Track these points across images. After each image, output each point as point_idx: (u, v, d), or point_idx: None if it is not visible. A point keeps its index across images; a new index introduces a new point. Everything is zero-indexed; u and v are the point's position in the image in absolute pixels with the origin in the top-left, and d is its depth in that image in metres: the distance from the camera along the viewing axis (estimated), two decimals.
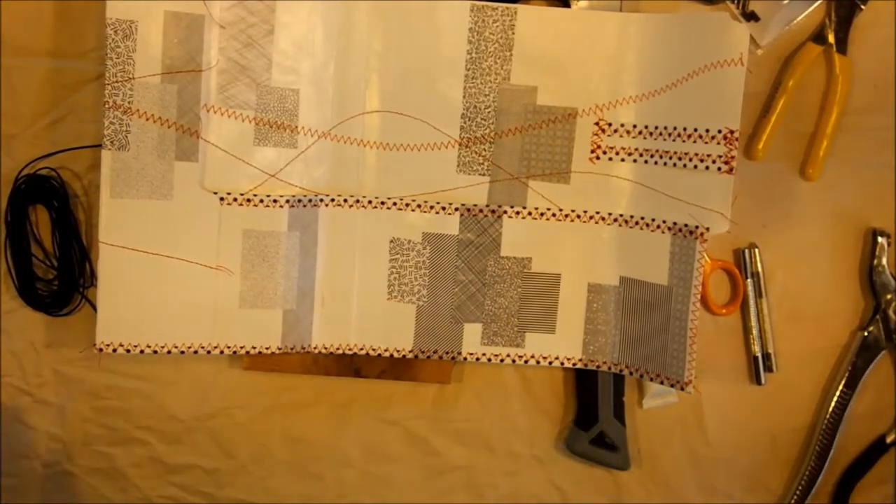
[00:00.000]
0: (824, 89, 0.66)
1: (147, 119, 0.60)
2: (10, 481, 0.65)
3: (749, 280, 0.67)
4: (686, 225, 0.61)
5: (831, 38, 0.64)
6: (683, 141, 0.61)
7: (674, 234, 0.62)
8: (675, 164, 0.61)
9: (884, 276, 0.67)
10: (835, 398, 0.68)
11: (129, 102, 0.60)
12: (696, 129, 0.60)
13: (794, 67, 0.64)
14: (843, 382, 0.68)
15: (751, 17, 0.64)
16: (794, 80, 0.64)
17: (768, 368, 0.68)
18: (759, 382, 0.68)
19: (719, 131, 0.59)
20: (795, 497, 0.68)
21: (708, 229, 0.60)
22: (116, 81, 0.60)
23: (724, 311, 0.67)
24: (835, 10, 0.64)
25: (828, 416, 0.68)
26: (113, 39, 0.59)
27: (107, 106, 0.60)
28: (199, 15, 0.60)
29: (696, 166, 0.60)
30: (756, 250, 0.67)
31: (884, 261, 0.66)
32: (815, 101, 0.66)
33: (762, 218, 0.67)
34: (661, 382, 0.63)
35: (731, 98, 0.59)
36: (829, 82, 0.65)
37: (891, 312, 0.67)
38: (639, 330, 0.64)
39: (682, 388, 0.61)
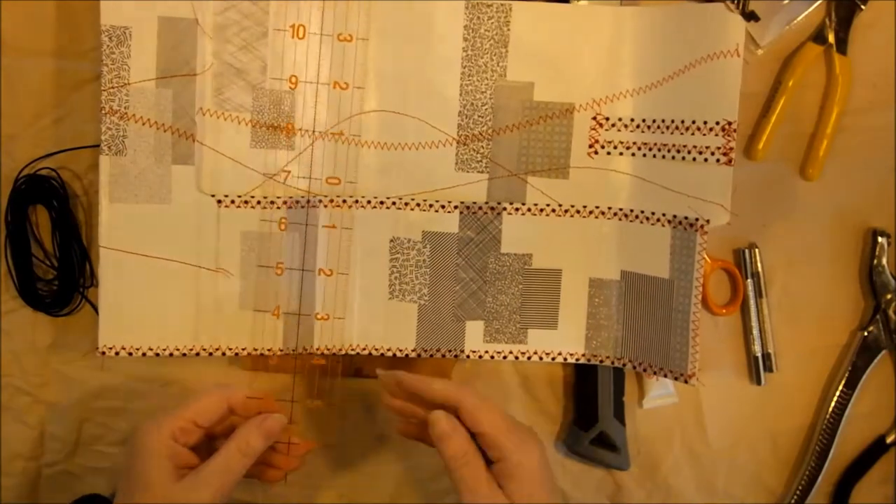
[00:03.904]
0: (824, 89, 0.66)
1: (143, 124, 0.61)
2: (10, 481, 0.65)
3: (749, 280, 0.67)
4: (686, 217, 0.61)
5: (831, 38, 0.64)
6: (682, 133, 0.61)
7: (674, 227, 0.62)
8: (673, 157, 0.61)
9: (884, 276, 0.67)
10: (835, 398, 0.68)
11: (125, 108, 0.60)
12: (693, 122, 0.60)
13: (794, 67, 0.64)
14: (843, 382, 0.68)
15: (751, 17, 0.63)
16: (794, 80, 0.64)
17: (768, 368, 0.68)
18: (759, 382, 0.68)
19: (717, 123, 0.60)
20: (795, 497, 0.68)
21: (708, 221, 0.60)
22: (112, 87, 0.60)
23: (724, 311, 0.67)
24: (835, 10, 0.64)
25: (828, 416, 0.68)
26: (108, 46, 0.59)
27: (103, 112, 0.60)
28: (192, 19, 0.60)
29: (694, 159, 0.60)
30: (756, 250, 0.67)
31: (884, 261, 0.66)
32: (815, 101, 0.66)
33: (762, 218, 0.67)
34: (665, 376, 0.63)
35: (728, 90, 0.59)
36: (829, 82, 0.65)
37: (891, 312, 0.67)
38: (641, 324, 0.64)
39: (686, 381, 0.61)
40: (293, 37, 0.61)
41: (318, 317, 0.63)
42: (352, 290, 0.64)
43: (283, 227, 0.62)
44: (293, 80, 0.61)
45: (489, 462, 0.53)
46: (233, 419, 0.56)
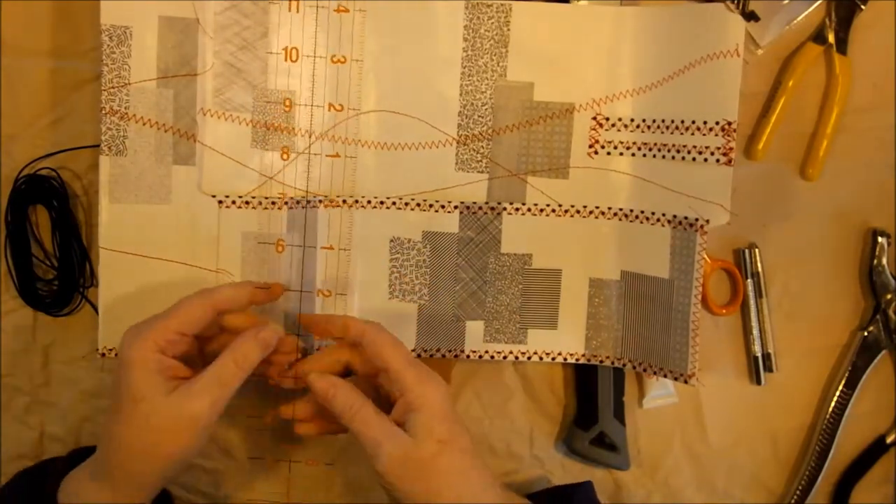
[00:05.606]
0: (824, 89, 0.66)
1: (144, 124, 0.61)
2: None
3: (749, 280, 0.67)
4: (686, 217, 0.61)
5: (831, 38, 0.64)
6: (682, 133, 0.61)
7: (674, 228, 0.62)
8: (673, 157, 0.61)
9: (884, 276, 0.67)
10: (835, 398, 0.68)
11: (125, 108, 0.60)
12: (693, 122, 0.60)
13: (794, 67, 0.64)
14: (843, 382, 0.68)
15: (751, 17, 0.63)
16: (794, 80, 0.64)
17: (768, 368, 0.68)
18: (759, 382, 0.68)
19: (717, 123, 0.60)
20: (795, 497, 0.68)
21: (708, 221, 0.60)
22: (112, 87, 0.60)
23: (724, 311, 0.67)
24: (835, 10, 0.64)
25: (828, 416, 0.68)
26: (108, 45, 0.59)
27: (104, 112, 0.60)
28: (192, 19, 0.60)
29: (694, 159, 0.60)
30: (756, 250, 0.67)
31: (884, 261, 0.66)
32: (815, 101, 0.66)
33: (762, 218, 0.67)
34: (665, 376, 0.63)
35: (728, 90, 0.59)
36: (829, 82, 0.65)
37: (891, 312, 0.67)
38: (641, 324, 0.64)
39: (686, 381, 0.61)
40: (292, 37, 0.61)
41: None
42: (352, 291, 0.64)
43: (283, 227, 0.62)
44: (292, 80, 0.61)
45: (391, 404, 0.53)
46: (226, 337, 0.55)
